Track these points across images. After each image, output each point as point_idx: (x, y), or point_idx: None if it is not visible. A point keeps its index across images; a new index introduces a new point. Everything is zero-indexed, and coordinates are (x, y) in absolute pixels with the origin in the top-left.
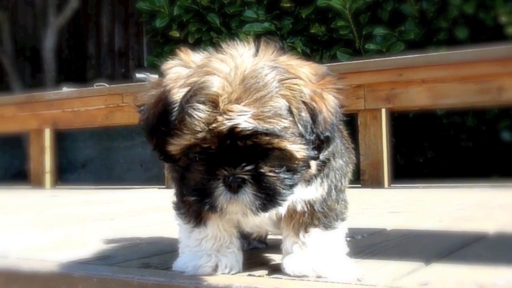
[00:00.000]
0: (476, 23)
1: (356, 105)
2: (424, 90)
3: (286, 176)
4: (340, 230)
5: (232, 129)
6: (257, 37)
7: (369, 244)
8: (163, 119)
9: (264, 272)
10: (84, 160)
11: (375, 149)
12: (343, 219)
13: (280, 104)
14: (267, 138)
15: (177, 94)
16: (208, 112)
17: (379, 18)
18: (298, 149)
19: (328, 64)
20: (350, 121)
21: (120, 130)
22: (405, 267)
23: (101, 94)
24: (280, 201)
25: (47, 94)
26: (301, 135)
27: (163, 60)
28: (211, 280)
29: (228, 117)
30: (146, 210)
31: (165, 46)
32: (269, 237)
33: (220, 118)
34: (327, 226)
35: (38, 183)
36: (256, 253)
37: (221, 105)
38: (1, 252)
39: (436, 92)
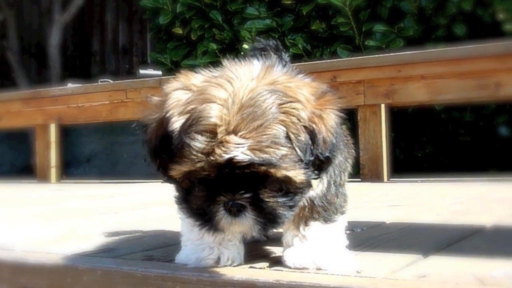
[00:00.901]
0: (474, 20)
1: (356, 101)
2: (422, 86)
3: (286, 199)
4: (340, 223)
5: (230, 160)
6: (259, 34)
7: (368, 237)
8: (164, 144)
9: (265, 264)
10: (89, 155)
11: (375, 144)
12: (342, 213)
13: (278, 131)
14: (264, 168)
15: (176, 123)
16: (206, 143)
17: (378, 15)
18: (297, 175)
19: (329, 60)
20: (350, 117)
21: (124, 125)
22: (404, 259)
23: (106, 90)
24: (280, 222)
25: (52, 90)
26: (300, 160)
27: (167, 57)
28: (213, 272)
29: (225, 149)
30: (150, 204)
31: (168, 43)
32: None
33: (217, 150)
34: (327, 220)
35: (44, 178)
36: (258, 245)
37: (219, 136)
38: (7, 245)
39: (435, 88)
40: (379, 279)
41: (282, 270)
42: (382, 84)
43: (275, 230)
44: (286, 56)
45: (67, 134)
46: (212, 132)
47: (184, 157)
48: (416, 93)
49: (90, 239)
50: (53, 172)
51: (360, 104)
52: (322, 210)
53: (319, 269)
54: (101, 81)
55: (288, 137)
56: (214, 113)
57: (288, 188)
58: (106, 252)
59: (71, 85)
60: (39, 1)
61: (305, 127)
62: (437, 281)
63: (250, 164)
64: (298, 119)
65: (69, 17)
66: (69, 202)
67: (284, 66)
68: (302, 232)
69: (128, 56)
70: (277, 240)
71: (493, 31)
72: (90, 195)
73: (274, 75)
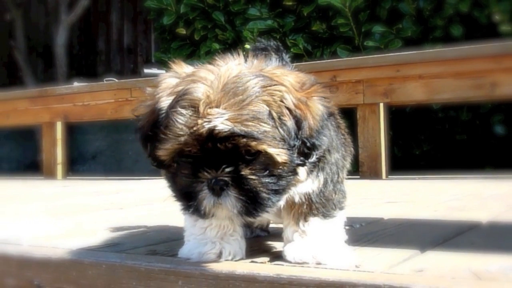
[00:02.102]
0: (471, 21)
1: (355, 100)
2: (420, 86)
3: (269, 181)
4: (339, 219)
5: (211, 131)
6: (261, 34)
7: (367, 233)
8: (154, 129)
9: (266, 259)
10: (94, 152)
11: (373, 142)
12: (341, 208)
13: (260, 109)
14: (245, 140)
15: (165, 102)
16: (189, 116)
17: (377, 16)
18: (279, 153)
19: (329, 60)
20: (350, 115)
21: (129, 123)
22: (402, 254)
23: (111, 88)
24: (265, 206)
25: (58, 88)
26: (283, 140)
27: (171, 56)
28: (215, 266)
29: (207, 120)
30: (153, 200)
31: (172, 43)
32: (271, 225)
33: (200, 121)
34: (325, 215)
35: (50, 174)
36: (259, 241)
37: (201, 109)
38: (14, 240)
39: (432, 87)
40: (377, 274)
41: (282, 265)
42: (381, 84)
43: (275, 226)
44: (286, 57)
45: (73, 131)
46: (195, 107)
47: (170, 133)
48: (414, 93)
49: (95, 234)
50: (59, 169)
51: (359, 103)
52: (321, 206)
53: (318, 263)
54: (106, 80)
55: (271, 116)
56: (199, 90)
57: (271, 169)
58: (111, 246)
59: (77, 84)
60: (46, 2)
61: (290, 112)
62: (434, 276)
63: (231, 136)
64: (282, 101)
65: (75, 17)
66: (74, 198)
67: (284, 66)
68: (301, 227)
69: (132, 55)
70: (277, 236)
71: (489, 32)
72: (95, 191)
73: (262, 65)
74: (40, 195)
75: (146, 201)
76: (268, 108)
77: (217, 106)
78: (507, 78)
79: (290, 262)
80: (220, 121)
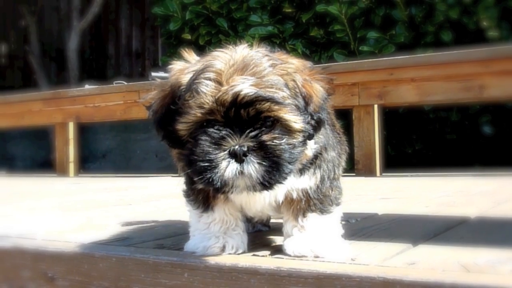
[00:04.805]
0: (460, 27)
1: (351, 101)
2: (412, 88)
3: (287, 147)
4: (336, 214)
5: (236, 97)
6: (262, 40)
7: (362, 227)
8: (173, 104)
9: (267, 252)
10: (105, 151)
11: (368, 141)
12: (338, 204)
13: (276, 79)
14: (268, 104)
15: (184, 78)
16: (213, 86)
17: (372, 22)
18: (297, 120)
19: (326, 64)
20: (346, 116)
21: (137, 124)
22: (395, 248)
23: (120, 91)
24: (282, 175)
25: (70, 90)
26: (298, 108)
27: (176, 59)
28: (219, 259)
29: (231, 86)
30: (161, 196)
31: (178, 48)
32: (271, 220)
33: (224, 88)
34: (323, 211)
35: (63, 172)
36: (260, 235)
37: (224, 78)
38: (29, 234)
39: (424, 89)
40: (372, 266)
41: (282, 258)
42: (375, 86)
43: (276, 221)
44: None
45: (84, 131)
46: (219, 77)
47: (194, 103)
48: (406, 95)
49: (105, 228)
50: (71, 167)
51: (355, 105)
52: (318, 202)
53: (316, 257)
54: (116, 83)
55: (287, 86)
56: (220, 64)
57: (288, 137)
58: (120, 241)
59: (88, 86)
60: (58, 9)
61: (298, 89)
62: (425, 268)
63: (255, 101)
64: (293, 78)
65: (87, 23)
66: (86, 195)
67: None
68: (300, 223)
69: (141, 59)
70: (278, 230)
71: (478, 37)
72: (105, 188)
73: (268, 52)
74: (53, 192)
75: (153, 198)
76: (283, 80)
77: (240, 74)
78: (494, 81)
79: (289, 255)
80: (245, 86)
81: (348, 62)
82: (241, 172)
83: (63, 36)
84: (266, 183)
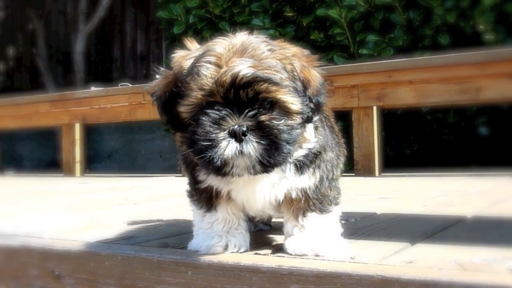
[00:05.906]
0: (457, 30)
1: (351, 103)
2: (410, 90)
3: (285, 128)
4: (335, 214)
5: (235, 78)
6: None
7: (361, 227)
8: (176, 87)
9: (268, 251)
10: (110, 151)
11: (367, 142)
12: (337, 204)
13: (274, 62)
14: (266, 85)
15: (186, 63)
16: (213, 68)
17: (371, 26)
18: (294, 102)
19: (326, 67)
20: (345, 117)
21: (142, 125)
22: (393, 247)
23: (125, 93)
24: (281, 155)
25: (77, 92)
26: (296, 91)
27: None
28: (221, 258)
29: (230, 67)
30: (165, 196)
31: None
32: (273, 220)
33: (223, 69)
34: (322, 210)
35: (69, 172)
36: (262, 234)
37: (224, 61)
38: (37, 233)
39: (421, 92)
40: (371, 265)
41: (283, 257)
42: (374, 88)
43: (277, 220)
44: None
45: (90, 132)
46: (218, 60)
47: (195, 85)
48: (404, 97)
49: (111, 227)
50: (78, 167)
51: (354, 106)
52: (318, 202)
53: (317, 255)
54: (121, 85)
55: (285, 69)
56: (220, 48)
57: (286, 118)
58: (126, 239)
59: (94, 89)
60: (65, 13)
61: (296, 73)
62: (423, 267)
63: (253, 82)
64: (291, 63)
65: (92, 27)
66: (92, 194)
67: None
68: (300, 222)
69: (145, 62)
70: (279, 229)
71: (474, 41)
72: (111, 187)
73: (267, 39)
74: (60, 191)
75: (158, 197)
76: (281, 64)
77: (238, 57)
78: (490, 83)
79: (290, 254)
80: (244, 66)
81: (348, 65)
82: (241, 152)
83: (70, 39)
84: (266, 162)
